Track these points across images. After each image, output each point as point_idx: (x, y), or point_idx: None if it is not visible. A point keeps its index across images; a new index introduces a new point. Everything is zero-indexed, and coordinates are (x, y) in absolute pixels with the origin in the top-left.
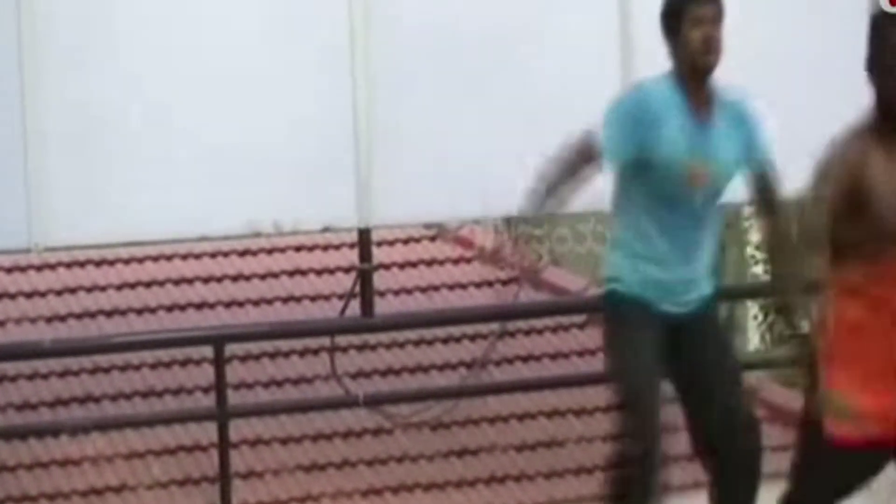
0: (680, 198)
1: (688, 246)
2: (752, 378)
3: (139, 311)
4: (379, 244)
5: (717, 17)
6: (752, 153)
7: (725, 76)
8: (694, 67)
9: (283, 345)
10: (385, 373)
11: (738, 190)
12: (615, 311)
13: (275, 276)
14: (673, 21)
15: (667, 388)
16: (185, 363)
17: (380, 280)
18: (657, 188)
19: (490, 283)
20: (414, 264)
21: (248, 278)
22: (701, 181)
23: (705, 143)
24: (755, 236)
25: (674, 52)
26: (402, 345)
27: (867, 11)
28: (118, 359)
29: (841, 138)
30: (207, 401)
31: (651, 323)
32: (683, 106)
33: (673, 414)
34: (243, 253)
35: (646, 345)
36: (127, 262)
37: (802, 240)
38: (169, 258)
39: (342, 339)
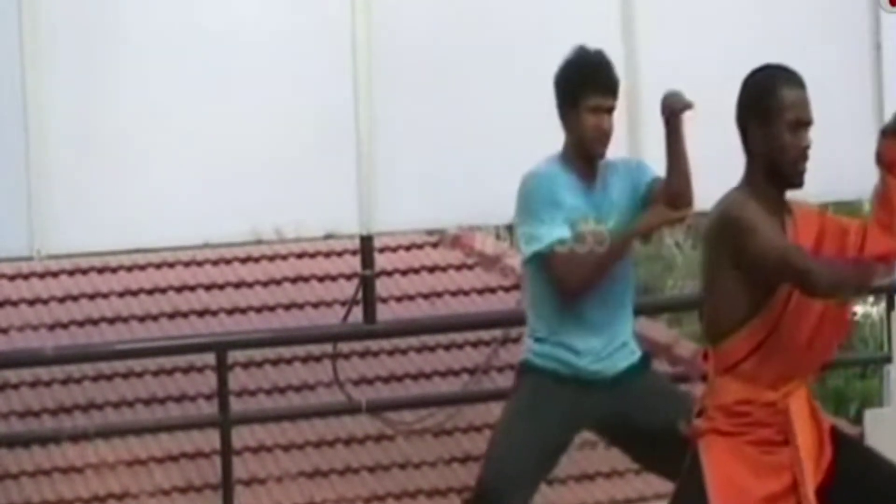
0: None
1: (605, 319)
2: None
3: (141, 319)
4: (381, 251)
5: (612, 109)
6: (641, 185)
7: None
8: (586, 153)
9: (286, 351)
10: (387, 379)
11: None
12: (526, 381)
13: (277, 282)
14: (569, 100)
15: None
16: (187, 370)
17: (382, 286)
18: None
19: (492, 290)
20: (416, 271)
21: (250, 285)
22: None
23: (600, 205)
24: None
25: (566, 129)
26: (404, 351)
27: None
28: (121, 366)
29: (735, 201)
30: (210, 408)
31: (561, 402)
32: (575, 181)
33: None
34: (245, 260)
35: (540, 431)
36: (129, 269)
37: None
38: (171, 265)
39: (344, 346)
